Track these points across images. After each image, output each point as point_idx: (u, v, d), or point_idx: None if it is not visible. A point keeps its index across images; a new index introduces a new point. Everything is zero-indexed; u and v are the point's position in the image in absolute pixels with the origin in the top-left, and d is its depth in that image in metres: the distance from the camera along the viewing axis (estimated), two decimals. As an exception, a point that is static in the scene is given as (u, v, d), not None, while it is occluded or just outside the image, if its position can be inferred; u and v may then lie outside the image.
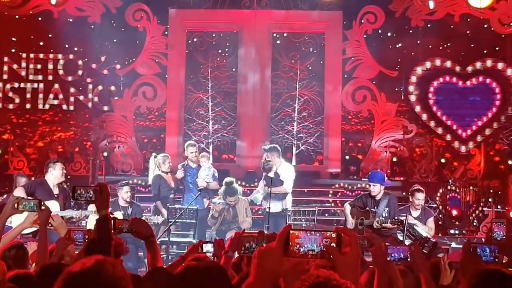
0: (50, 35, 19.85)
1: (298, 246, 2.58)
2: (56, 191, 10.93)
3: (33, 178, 15.27)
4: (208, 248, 5.97)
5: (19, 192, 10.44)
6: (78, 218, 11.00)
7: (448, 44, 19.83)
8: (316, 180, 19.05)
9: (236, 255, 5.94)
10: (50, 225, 6.98)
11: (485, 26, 19.35)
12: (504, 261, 3.94)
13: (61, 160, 11.96)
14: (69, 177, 18.37)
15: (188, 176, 13.53)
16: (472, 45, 19.59)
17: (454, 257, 5.02)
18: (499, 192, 17.90)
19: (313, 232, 2.63)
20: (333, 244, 2.59)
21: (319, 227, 13.08)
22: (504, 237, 6.12)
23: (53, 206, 9.77)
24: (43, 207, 6.00)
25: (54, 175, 10.96)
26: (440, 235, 15.22)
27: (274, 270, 2.57)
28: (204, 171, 13.26)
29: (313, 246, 2.58)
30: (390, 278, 4.63)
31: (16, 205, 6.01)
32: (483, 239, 14.64)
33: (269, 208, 12.37)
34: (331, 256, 2.57)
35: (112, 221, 5.70)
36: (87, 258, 2.59)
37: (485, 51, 19.66)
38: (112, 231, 5.50)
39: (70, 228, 6.18)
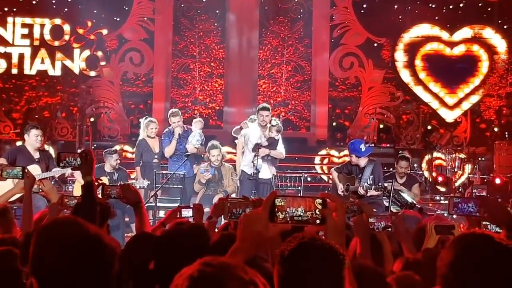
0: (36, 0, 19.70)
1: (284, 212, 2.62)
2: (36, 155, 10.81)
3: (19, 143, 15.18)
4: (186, 213, 5.99)
5: (1, 161, 10.39)
6: (70, 173, 11.01)
7: (436, 11, 19.82)
8: (303, 146, 19.08)
9: (222, 221, 5.97)
10: (40, 190, 6.99)
11: (473, -7, 19.38)
12: (485, 214, 4.03)
13: (36, 125, 11.72)
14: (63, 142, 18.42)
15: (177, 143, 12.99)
16: (459, 12, 19.60)
17: (436, 220, 5.06)
18: (484, 159, 18.01)
19: (298, 198, 2.67)
20: (316, 214, 2.64)
21: (306, 194, 13.14)
22: None
23: (34, 170, 9.74)
24: (27, 175, 5.99)
25: (28, 142, 10.85)
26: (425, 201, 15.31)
27: (259, 235, 2.61)
28: (195, 137, 12.92)
29: (298, 212, 2.62)
30: (379, 244, 4.69)
31: (0, 172, 6.01)
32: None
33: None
34: (317, 222, 2.62)
35: (100, 187, 5.73)
36: (57, 218, 2.60)
37: (472, 18, 19.66)
38: (100, 197, 5.54)
39: (63, 193, 6.17)
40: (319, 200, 2.64)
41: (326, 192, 2.79)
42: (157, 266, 3.50)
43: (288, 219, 2.61)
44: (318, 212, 2.64)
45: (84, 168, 4.82)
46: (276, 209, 2.61)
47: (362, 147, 11.60)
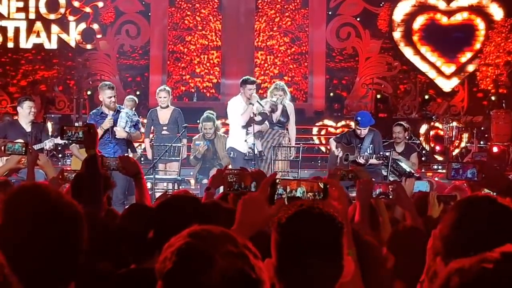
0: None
1: (283, 196, 2.62)
2: (29, 128, 10.67)
3: (7, 118, 15.04)
4: None
5: None
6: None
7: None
8: (300, 117, 19.01)
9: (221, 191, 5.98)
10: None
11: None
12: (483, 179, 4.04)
13: (29, 97, 11.65)
14: (53, 116, 18.38)
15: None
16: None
17: (440, 191, 5.07)
18: (482, 128, 18.00)
19: (299, 183, 2.66)
20: (319, 196, 2.63)
21: (303, 165, 13.19)
22: None
23: (25, 143, 9.70)
24: (30, 151, 6.00)
25: (22, 114, 10.72)
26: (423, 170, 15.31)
27: (258, 218, 2.63)
28: (122, 119, 10.75)
29: (299, 196, 2.62)
30: (377, 211, 4.68)
31: (3, 148, 6.01)
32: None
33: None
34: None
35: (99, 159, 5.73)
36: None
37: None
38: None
39: (63, 167, 6.18)
40: (321, 185, 2.64)
41: (328, 178, 2.76)
42: (157, 233, 3.52)
43: (287, 204, 2.58)
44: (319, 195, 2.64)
45: (87, 141, 4.82)
46: (276, 193, 2.61)
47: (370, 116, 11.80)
